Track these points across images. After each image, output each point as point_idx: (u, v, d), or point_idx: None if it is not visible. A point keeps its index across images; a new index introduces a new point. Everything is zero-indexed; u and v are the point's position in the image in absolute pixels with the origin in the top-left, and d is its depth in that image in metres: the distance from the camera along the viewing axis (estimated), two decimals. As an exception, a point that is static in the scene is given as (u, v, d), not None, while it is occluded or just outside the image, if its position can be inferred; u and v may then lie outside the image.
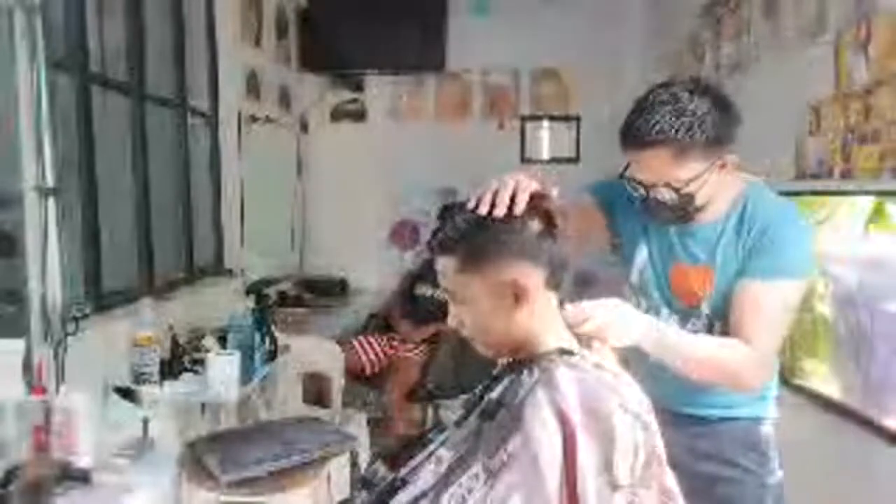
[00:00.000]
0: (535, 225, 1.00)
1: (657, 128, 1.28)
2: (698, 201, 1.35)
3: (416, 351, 3.56)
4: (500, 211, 0.99)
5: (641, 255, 1.52)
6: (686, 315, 1.44)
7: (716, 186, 1.35)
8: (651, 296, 1.51)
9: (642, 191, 1.36)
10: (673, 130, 1.28)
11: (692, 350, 1.32)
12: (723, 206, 1.40)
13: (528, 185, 1.03)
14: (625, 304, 1.27)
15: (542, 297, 1.02)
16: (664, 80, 1.39)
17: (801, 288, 1.40)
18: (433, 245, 1.05)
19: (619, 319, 1.21)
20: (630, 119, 1.33)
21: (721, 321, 1.42)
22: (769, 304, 1.35)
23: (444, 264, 1.03)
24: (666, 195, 1.33)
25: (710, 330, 1.42)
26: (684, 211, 1.36)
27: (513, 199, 1.01)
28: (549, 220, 1.01)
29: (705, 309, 1.43)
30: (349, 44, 4.03)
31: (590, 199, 1.59)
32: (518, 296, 0.99)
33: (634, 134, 1.31)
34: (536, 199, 1.02)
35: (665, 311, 1.49)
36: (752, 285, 1.35)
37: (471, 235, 1.00)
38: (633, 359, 1.26)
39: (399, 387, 3.41)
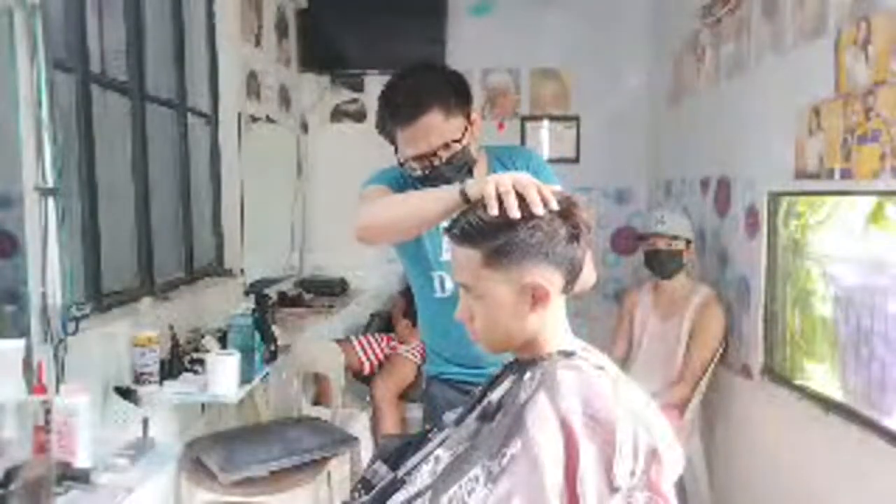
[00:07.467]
0: (565, 231, 1.00)
1: (425, 90, 1.42)
2: (473, 154, 1.49)
3: (413, 351, 3.55)
4: (538, 210, 0.99)
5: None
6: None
7: (472, 144, 1.50)
8: (438, 269, 1.60)
9: (425, 163, 1.45)
10: (437, 89, 1.42)
11: None
12: (483, 167, 1.55)
13: (530, 181, 1.02)
14: None
15: (556, 301, 1.02)
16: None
17: None
18: (455, 233, 1.03)
19: None
20: (392, 99, 1.45)
21: None
22: None
23: (465, 255, 1.01)
24: (446, 153, 1.44)
25: None
26: (465, 163, 1.47)
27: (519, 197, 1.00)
28: (576, 227, 1.01)
29: None
30: (349, 44, 4.02)
31: (388, 190, 1.61)
32: (537, 298, 0.99)
33: (405, 105, 1.42)
34: (570, 205, 1.02)
35: (451, 284, 1.57)
36: None
37: (500, 232, 0.99)
38: None
39: (392, 385, 3.39)
